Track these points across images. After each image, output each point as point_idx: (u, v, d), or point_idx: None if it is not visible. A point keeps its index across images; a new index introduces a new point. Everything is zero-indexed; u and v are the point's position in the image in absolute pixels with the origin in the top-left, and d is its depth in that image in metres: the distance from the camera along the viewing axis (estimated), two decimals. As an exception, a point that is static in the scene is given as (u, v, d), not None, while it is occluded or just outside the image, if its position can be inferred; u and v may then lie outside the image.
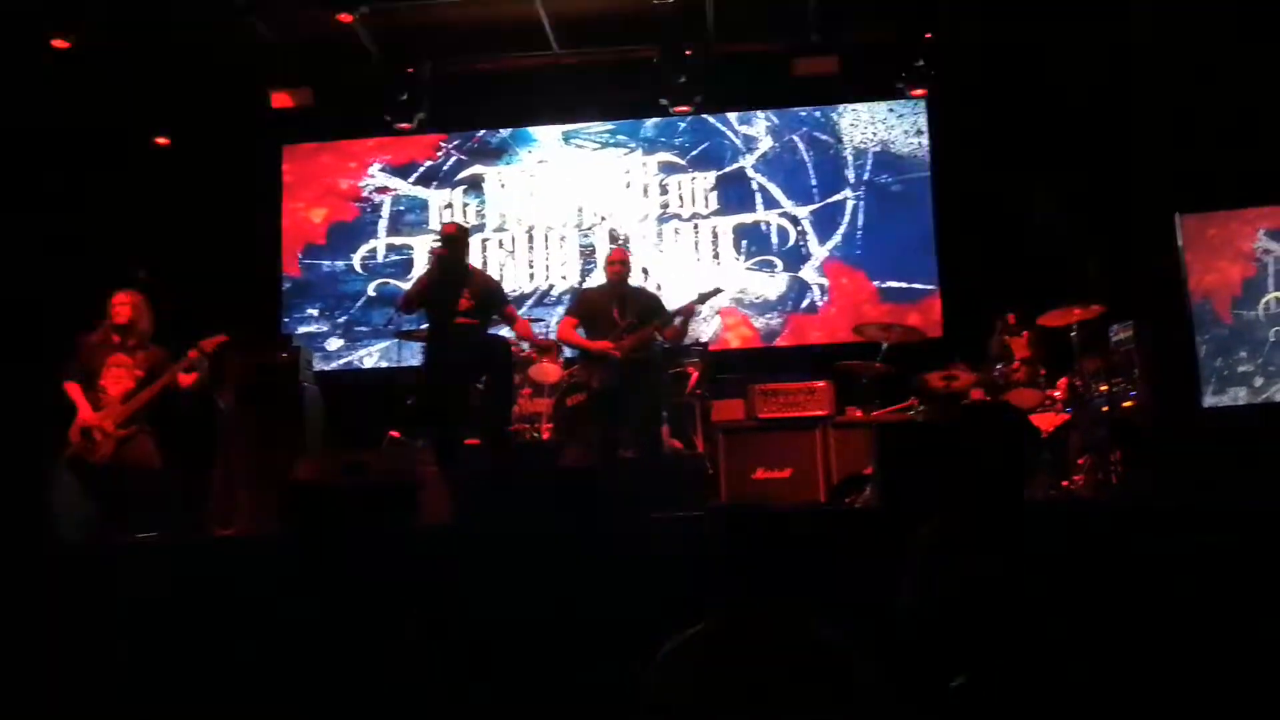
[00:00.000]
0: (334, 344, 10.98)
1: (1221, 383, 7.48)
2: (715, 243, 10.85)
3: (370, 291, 11.08)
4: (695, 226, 10.92)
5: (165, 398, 7.20)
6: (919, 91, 10.24)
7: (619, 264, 7.82)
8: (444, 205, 11.16)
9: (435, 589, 5.02)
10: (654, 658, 2.87)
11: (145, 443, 7.13)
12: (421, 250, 10.98)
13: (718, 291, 8.13)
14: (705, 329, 10.11)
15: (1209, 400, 7.56)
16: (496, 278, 9.83)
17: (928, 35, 9.78)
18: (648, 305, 7.79)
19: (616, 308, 7.64)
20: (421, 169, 11.22)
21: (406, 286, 10.60)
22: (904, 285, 10.51)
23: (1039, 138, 9.65)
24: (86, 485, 6.87)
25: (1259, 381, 7.47)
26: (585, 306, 7.85)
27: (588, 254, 10.95)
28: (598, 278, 9.64)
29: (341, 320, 11.07)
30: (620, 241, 10.62)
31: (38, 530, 5.94)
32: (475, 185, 11.18)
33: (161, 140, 10.62)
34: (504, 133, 11.27)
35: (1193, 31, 7.38)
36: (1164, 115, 7.54)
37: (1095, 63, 8.99)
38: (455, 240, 7.36)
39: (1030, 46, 9.66)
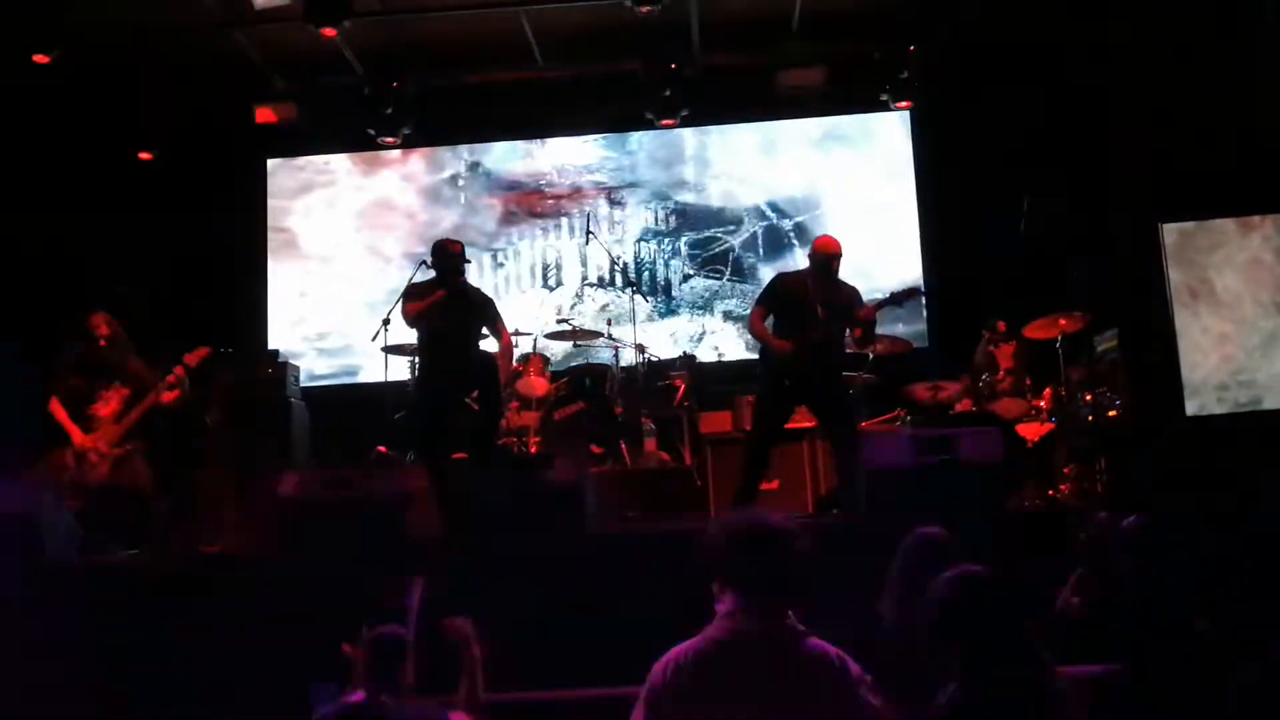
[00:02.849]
0: (313, 361, 10.92)
1: (1194, 393, 7.49)
2: (698, 256, 10.88)
3: (350, 308, 11.03)
4: (676, 242, 10.94)
5: (151, 415, 7.22)
6: (903, 104, 10.28)
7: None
8: (426, 220, 11.11)
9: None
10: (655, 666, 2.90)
11: (140, 463, 7.18)
12: (403, 266, 10.98)
13: (915, 291, 7.27)
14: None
15: (1190, 410, 7.59)
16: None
17: (911, 48, 9.80)
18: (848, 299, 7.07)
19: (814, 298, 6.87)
20: (405, 182, 11.20)
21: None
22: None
23: (1023, 149, 9.70)
24: (84, 506, 6.83)
25: (1237, 394, 7.50)
26: (778, 297, 7.02)
27: (575, 267, 10.96)
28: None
29: (320, 340, 11.03)
30: (611, 258, 10.62)
31: (27, 547, 5.92)
32: (459, 198, 11.15)
33: (144, 155, 10.59)
34: (487, 145, 11.25)
35: (1174, 39, 7.42)
36: (1147, 124, 7.58)
37: (1078, 71, 9.05)
38: (460, 258, 7.34)
39: (1014, 56, 9.72)
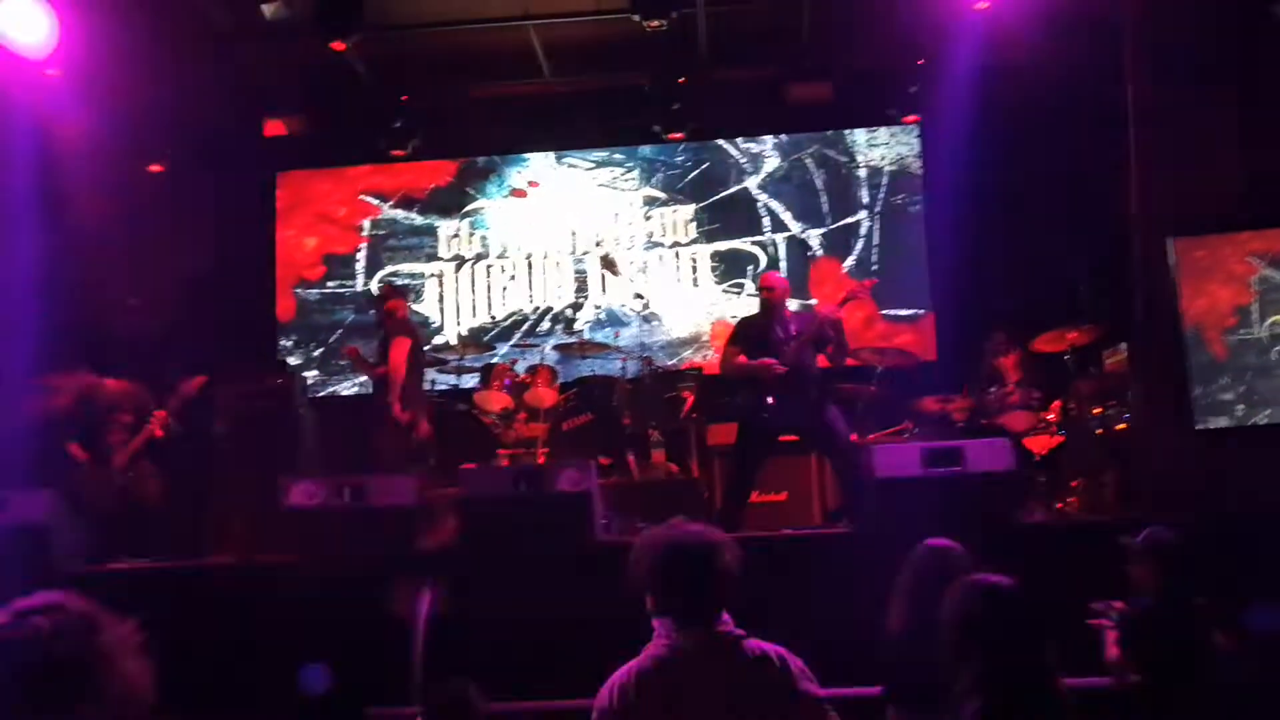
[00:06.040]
0: (311, 375, 10.86)
1: (1202, 411, 7.46)
2: (719, 269, 10.85)
3: (351, 321, 11.05)
4: (695, 252, 10.90)
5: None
6: (911, 118, 10.28)
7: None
8: (429, 230, 11.15)
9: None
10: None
11: (152, 483, 7.34)
12: (411, 277, 11.03)
13: (860, 288, 7.66)
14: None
15: (1199, 424, 7.56)
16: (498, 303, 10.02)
17: (920, 61, 9.80)
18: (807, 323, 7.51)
19: (775, 332, 7.30)
20: (412, 195, 11.22)
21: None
22: (907, 310, 10.51)
23: (1030, 162, 9.68)
24: (95, 521, 6.90)
25: (1240, 410, 7.46)
26: (746, 337, 7.40)
27: (582, 280, 10.97)
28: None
29: (317, 353, 11.04)
30: (614, 266, 10.59)
31: (36, 556, 5.93)
32: (467, 210, 11.18)
33: (155, 167, 10.59)
34: (495, 155, 11.27)
35: (1184, 52, 7.41)
36: (1156, 136, 7.56)
37: (1086, 83, 9.03)
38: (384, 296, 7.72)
39: (1021, 69, 9.71)
